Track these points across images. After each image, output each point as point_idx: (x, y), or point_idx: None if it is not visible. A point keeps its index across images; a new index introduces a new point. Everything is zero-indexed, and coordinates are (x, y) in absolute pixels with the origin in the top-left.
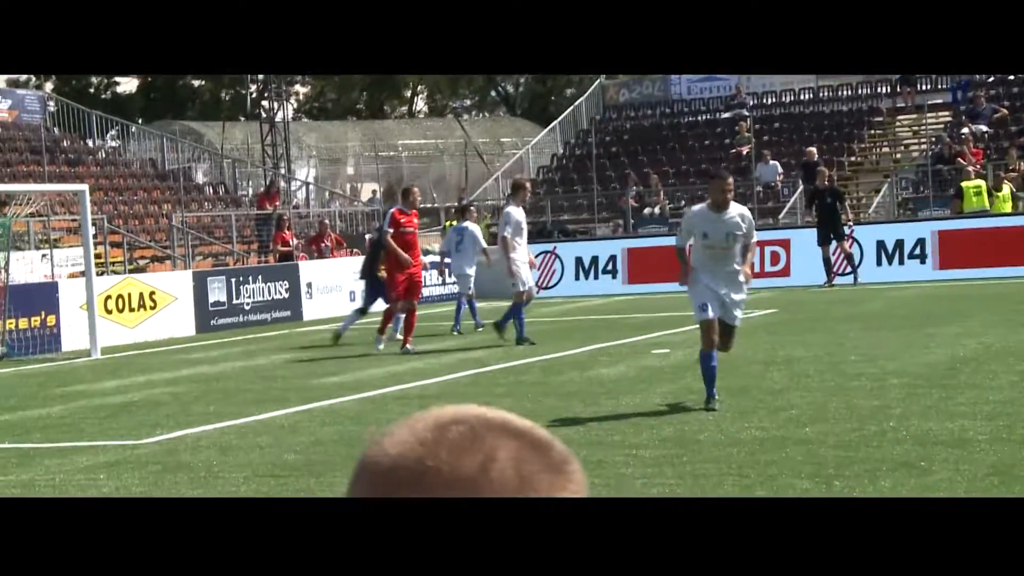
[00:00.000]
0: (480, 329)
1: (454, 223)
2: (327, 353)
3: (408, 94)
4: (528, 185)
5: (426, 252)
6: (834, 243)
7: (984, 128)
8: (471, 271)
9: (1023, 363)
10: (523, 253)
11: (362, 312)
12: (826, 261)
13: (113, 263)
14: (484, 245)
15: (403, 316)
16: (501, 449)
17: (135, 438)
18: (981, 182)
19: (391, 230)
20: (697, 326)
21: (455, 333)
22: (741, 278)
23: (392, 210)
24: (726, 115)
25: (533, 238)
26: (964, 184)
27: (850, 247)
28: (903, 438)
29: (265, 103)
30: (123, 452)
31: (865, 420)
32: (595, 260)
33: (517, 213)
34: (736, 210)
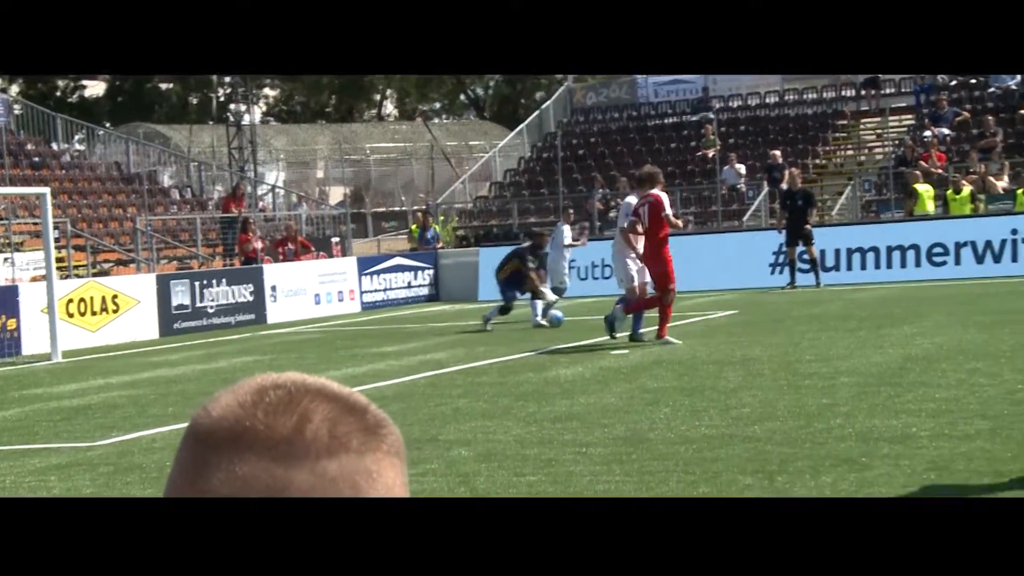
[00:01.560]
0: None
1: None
2: (287, 356)
3: (377, 98)
4: (661, 176)
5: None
6: (802, 246)
7: (946, 131)
8: (560, 267)
9: (972, 361)
10: (641, 247)
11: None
12: (791, 263)
13: (76, 267)
14: (567, 242)
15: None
16: (316, 411)
17: (89, 440)
18: (929, 187)
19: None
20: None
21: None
22: None
23: (656, 190)
24: (692, 118)
25: (500, 241)
26: (917, 187)
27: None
28: (847, 435)
29: (233, 106)
30: (76, 454)
31: (812, 418)
32: None
33: None
34: None
